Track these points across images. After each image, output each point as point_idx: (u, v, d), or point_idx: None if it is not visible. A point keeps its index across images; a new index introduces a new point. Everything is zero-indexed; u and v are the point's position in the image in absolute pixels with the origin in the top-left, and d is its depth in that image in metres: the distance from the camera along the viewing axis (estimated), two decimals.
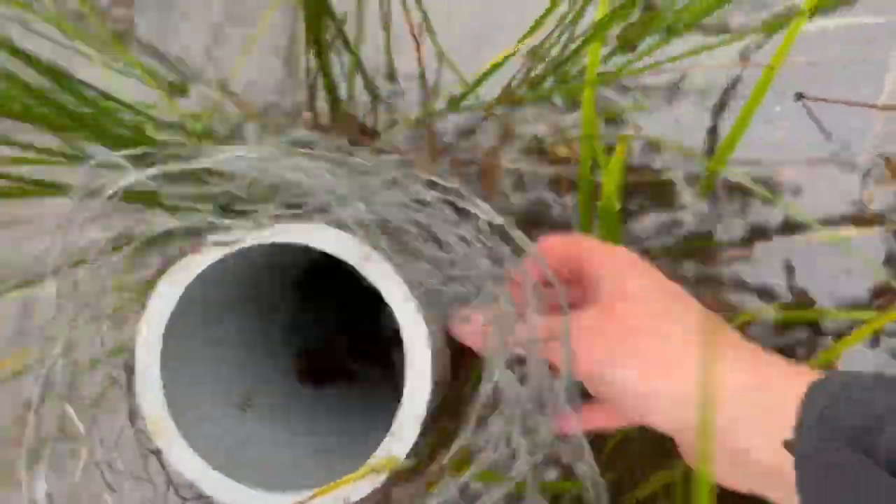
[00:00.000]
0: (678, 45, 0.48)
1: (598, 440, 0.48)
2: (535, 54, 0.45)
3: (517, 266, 0.31)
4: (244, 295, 0.40)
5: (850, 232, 0.50)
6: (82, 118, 0.31)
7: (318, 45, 0.38)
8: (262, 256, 0.34)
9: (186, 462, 0.31)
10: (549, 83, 0.48)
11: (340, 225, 0.28)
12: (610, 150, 0.49)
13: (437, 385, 0.32)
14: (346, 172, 0.26)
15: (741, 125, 0.45)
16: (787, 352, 0.49)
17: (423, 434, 0.31)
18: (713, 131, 0.53)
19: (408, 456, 0.30)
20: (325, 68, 0.40)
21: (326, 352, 0.50)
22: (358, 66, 0.43)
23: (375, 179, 0.29)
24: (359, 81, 0.48)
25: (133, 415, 0.30)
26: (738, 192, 0.51)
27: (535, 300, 0.30)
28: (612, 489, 0.33)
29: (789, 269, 0.50)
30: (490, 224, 0.30)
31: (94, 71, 0.51)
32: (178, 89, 0.53)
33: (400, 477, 0.29)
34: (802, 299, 0.50)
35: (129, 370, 0.31)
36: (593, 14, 0.40)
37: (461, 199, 0.29)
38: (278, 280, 0.45)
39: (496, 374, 0.29)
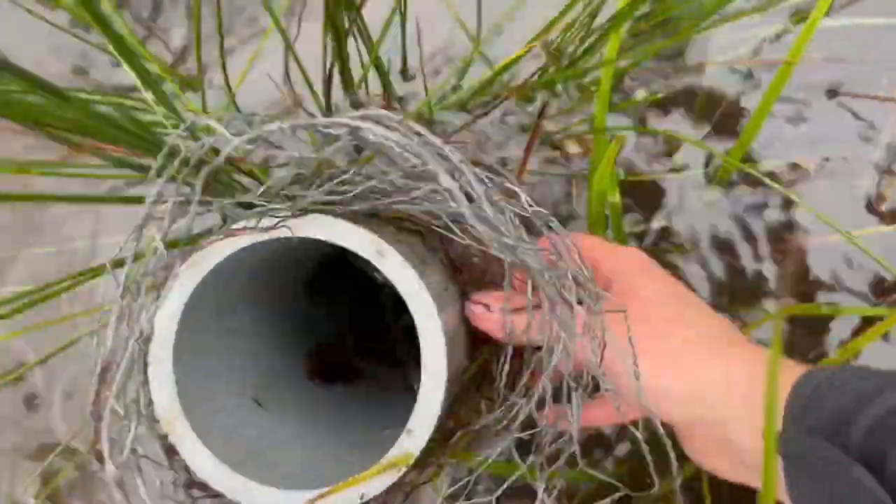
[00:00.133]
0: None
1: (606, 441, 0.48)
2: (552, 49, 0.44)
3: (562, 243, 0.31)
4: (257, 288, 0.39)
5: (867, 230, 0.50)
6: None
7: (337, 33, 0.38)
8: (272, 252, 0.34)
9: (198, 460, 0.31)
10: (563, 78, 0.48)
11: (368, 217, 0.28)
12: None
13: (451, 383, 0.31)
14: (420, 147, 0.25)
15: (757, 120, 0.44)
16: (804, 350, 0.49)
17: (437, 430, 0.30)
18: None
19: (421, 452, 0.30)
20: (341, 55, 0.40)
21: (336, 349, 0.50)
22: (376, 55, 0.43)
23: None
24: (373, 74, 0.48)
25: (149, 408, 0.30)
26: (754, 186, 0.51)
27: (577, 288, 0.31)
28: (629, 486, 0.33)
29: (805, 267, 0.50)
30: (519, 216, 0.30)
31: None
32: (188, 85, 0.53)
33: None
34: (816, 296, 0.49)
35: (145, 362, 0.31)
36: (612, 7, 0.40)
37: (510, 182, 0.29)
38: (290, 275, 0.45)
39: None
